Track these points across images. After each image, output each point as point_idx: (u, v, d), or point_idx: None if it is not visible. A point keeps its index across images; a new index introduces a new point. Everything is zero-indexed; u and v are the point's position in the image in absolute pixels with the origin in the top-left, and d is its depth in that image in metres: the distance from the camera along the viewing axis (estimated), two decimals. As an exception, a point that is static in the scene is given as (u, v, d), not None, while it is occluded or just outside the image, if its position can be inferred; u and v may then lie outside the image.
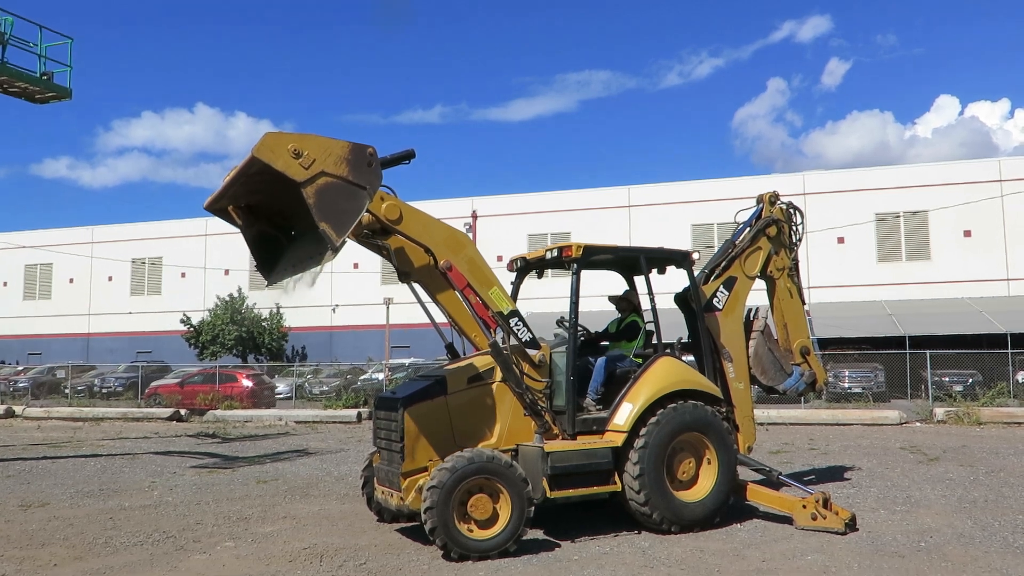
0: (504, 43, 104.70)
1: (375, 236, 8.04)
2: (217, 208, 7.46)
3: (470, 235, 39.25)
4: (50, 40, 18.19)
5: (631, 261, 9.61)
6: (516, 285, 9.71)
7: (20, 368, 41.69)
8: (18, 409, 27.97)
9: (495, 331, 8.09)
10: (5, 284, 51.71)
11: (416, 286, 8.29)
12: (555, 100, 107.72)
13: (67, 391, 34.05)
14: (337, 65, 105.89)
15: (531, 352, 8.24)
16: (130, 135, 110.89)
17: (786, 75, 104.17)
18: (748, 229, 10.38)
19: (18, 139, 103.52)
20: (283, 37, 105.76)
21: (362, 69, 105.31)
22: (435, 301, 8.38)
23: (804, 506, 8.31)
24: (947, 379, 25.84)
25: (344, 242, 6.84)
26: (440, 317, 8.54)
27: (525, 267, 9.59)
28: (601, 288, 10.69)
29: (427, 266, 8.13)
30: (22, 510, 10.14)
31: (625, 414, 8.28)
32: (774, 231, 10.40)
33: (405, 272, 8.14)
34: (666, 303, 9.35)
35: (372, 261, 41.33)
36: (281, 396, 31.40)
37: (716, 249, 10.74)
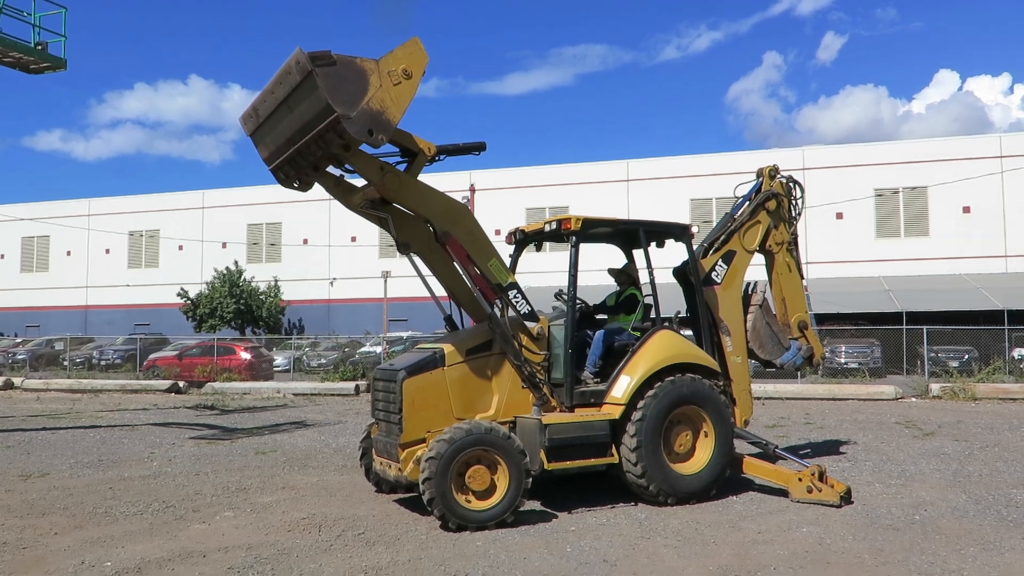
0: (499, 17, 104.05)
1: (375, 206, 8.00)
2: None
3: (469, 207, 39.13)
4: (44, 9, 18.04)
5: (630, 234, 9.60)
6: (515, 258, 9.70)
7: (19, 340, 41.73)
8: (17, 381, 28.01)
9: (494, 303, 8.09)
10: (2, 256, 51.66)
11: (415, 258, 8.27)
12: (551, 74, 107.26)
13: (66, 363, 34.10)
14: (332, 37, 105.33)
15: (529, 324, 8.24)
16: (123, 107, 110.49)
17: (782, 49, 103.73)
18: (747, 203, 10.35)
19: (10, 111, 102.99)
20: (278, 8, 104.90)
21: (357, 42, 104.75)
22: (434, 273, 8.37)
23: (800, 479, 8.36)
24: (943, 355, 25.93)
25: (304, 65, 6.80)
26: (439, 289, 8.54)
27: (524, 240, 9.57)
28: (600, 261, 10.69)
29: (426, 237, 8.11)
30: (22, 480, 10.19)
31: (623, 387, 8.31)
32: (773, 205, 10.37)
33: (405, 243, 8.11)
34: (665, 277, 9.35)
35: (370, 234, 41.34)
36: (279, 369, 31.49)
37: (715, 223, 10.71)
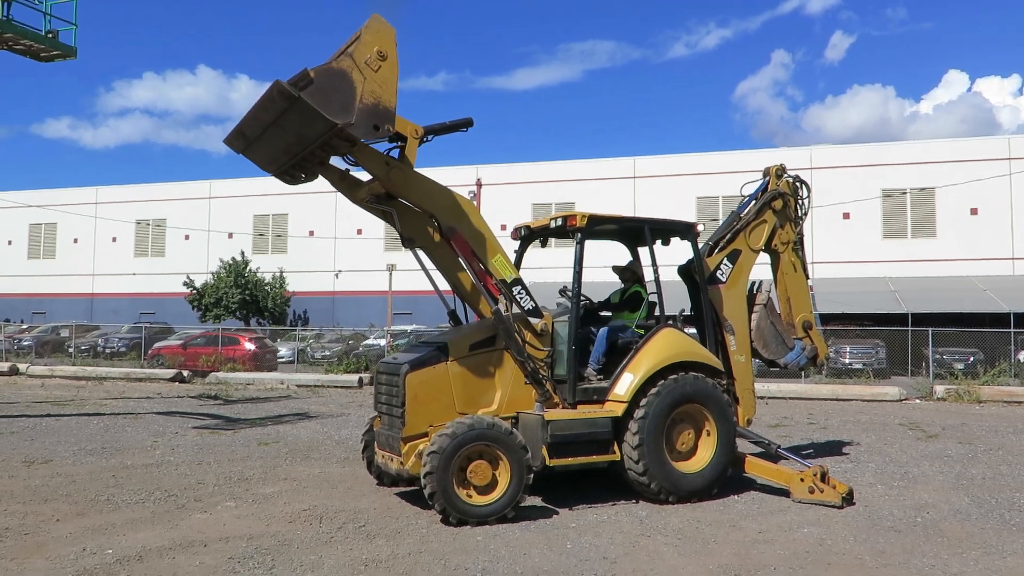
0: (507, 11, 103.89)
1: (380, 201, 7.99)
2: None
3: (474, 203, 39.03)
4: (55, -3, 18.03)
5: (635, 232, 9.58)
6: (520, 253, 9.70)
7: (24, 326, 41.83)
8: (22, 367, 28.12)
9: (498, 299, 8.08)
10: (10, 243, 51.75)
11: (420, 252, 8.26)
12: (559, 69, 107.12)
13: (71, 350, 34.17)
14: (341, 30, 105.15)
15: (533, 321, 8.24)
16: (132, 96, 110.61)
17: (791, 48, 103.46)
18: (754, 202, 10.33)
19: (19, 98, 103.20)
20: (287, 0, 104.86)
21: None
22: (439, 268, 8.36)
23: (802, 479, 8.35)
24: (948, 357, 25.81)
25: (288, 93, 6.71)
26: (443, 284, 8.53)
27: (529, 236, 9.56)
28: (604, 258, 10.66)
29: (431, 232, 8.10)
30: (26, 466, 10.23)
31: (626, 384, 8.30)
32: (780, 204, 10.34)
33: (409, 238, 8.11)
34: (669, 275, 9.33)
35: (376, 227, 41.33)
36: (283, 360, 31.48)
37: (721, 222, 10.69)
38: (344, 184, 8.13)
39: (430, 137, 8.02)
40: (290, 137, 7.33)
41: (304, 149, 7.40)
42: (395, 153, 7.78)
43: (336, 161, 7.94)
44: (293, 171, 7.98)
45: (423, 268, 8.27)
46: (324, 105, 6.76)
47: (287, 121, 7.10)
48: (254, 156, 8.06)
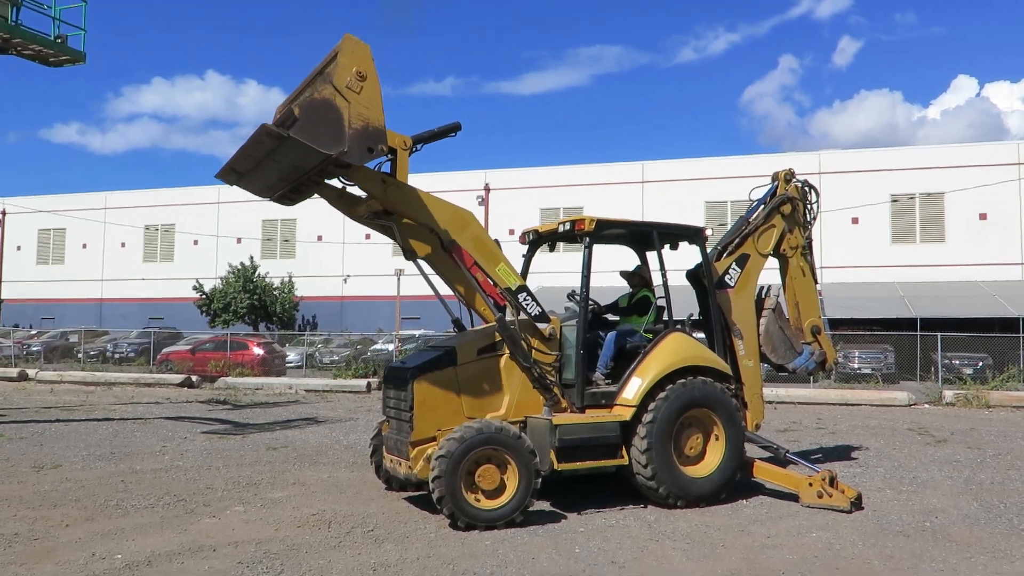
0: (516, 16, 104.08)
1: (379, 217, 7.97)
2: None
3: (483, 209, 39.12)
4: (64, 3, 18.13)
5: (643, 236, 9.58)
6: (528, 258, 9.71)
7: (34, 332, 41.99)
8: (31, 372, 28.23)
9: (504, 307, 8.08)
10: (19, 248, 51.99)
11: (423, 263, 8.25)
12: (567, 74, 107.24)
13: (80, 355, 34.30)
14: (348, 30, 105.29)
15: (541, 326, 8.24)
16: (140, 101, 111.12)
17: (799, 52, 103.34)
18: (762, 207, 10.33)
19: (28, 103, 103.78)
20: (295, 5, 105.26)
21: (374, 40, 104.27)
22: (442, 277, 8.34)
23: (810, 484, 8.33)
24: (957, 362, 25.73)
25: (276, 134, 6.74)
26: (447, 292, 8.51)
27: (537, 240, 9.57)
28: (613, 263, 10.67)
29: (433, 245, 8.09)
30: (35, 471, 10.27)
31: (634, 389, 8.30)
32: (788, 209, 10.34)
33: (411, 250, 8.09)
34: (678, 279, 9.32)
35: (384, 232, 41.33)
36: (291, 365, 31.59)
37: (729, 226, 10.68)
38: (342, 202, 8.12)
39: (419, 146, 8.00)
40: (285, 168, 7.36)
41: (300, 176, 7.45)
42: (387, 167, 7.74)
43: (333, 182, 7.96)
44: (291, 195, 8.05)
45: (425, 277, 8.23)
46: (314, 139, 6.75)
47: (280, 155, 7.12)
48: (249, 186, 8.14)
